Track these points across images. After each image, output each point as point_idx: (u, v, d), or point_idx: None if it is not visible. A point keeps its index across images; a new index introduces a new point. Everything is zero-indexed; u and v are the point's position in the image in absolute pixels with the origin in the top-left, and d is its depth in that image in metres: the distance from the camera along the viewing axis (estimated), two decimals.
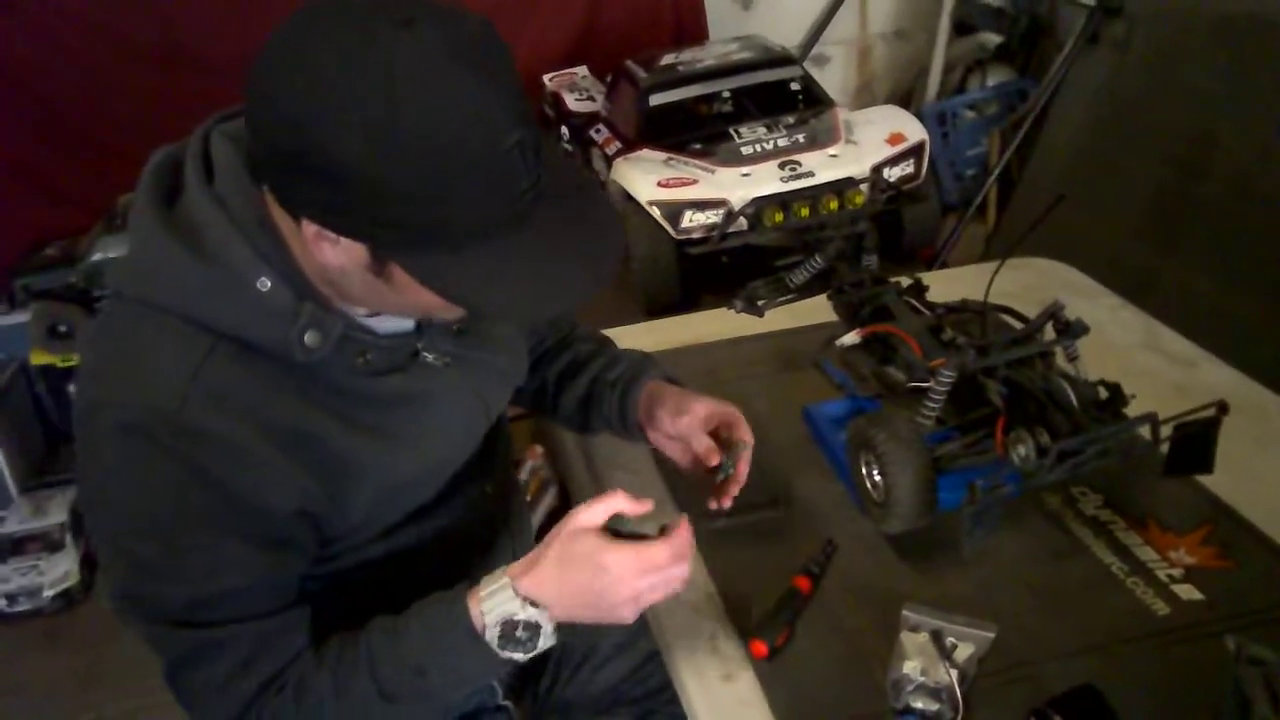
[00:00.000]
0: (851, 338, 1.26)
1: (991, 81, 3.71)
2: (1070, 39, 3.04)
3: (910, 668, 0.95)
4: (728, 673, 1.00)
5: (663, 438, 1.13)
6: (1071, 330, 1.09)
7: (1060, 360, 1.13)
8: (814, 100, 3.16)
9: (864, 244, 1.43)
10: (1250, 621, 1.00)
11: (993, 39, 3.65)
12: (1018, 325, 1.23)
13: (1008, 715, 0.91)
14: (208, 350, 0.83)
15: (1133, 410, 1.05)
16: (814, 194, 2.60)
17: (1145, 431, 1.03)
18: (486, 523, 1.10)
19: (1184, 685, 0.94)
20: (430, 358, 0.95)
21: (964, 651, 0.96)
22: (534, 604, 0.87)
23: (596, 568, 0.88)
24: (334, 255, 0.82)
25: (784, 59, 3.34)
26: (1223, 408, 1.02)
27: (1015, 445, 1.00)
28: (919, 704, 0.92)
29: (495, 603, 0.87)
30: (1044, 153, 3.16)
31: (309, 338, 0.85)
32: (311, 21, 0.76)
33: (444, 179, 0.76)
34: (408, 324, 0.94)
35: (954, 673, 0.93)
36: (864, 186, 2.01)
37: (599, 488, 1.24)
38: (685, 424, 1.09)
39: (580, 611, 0.89)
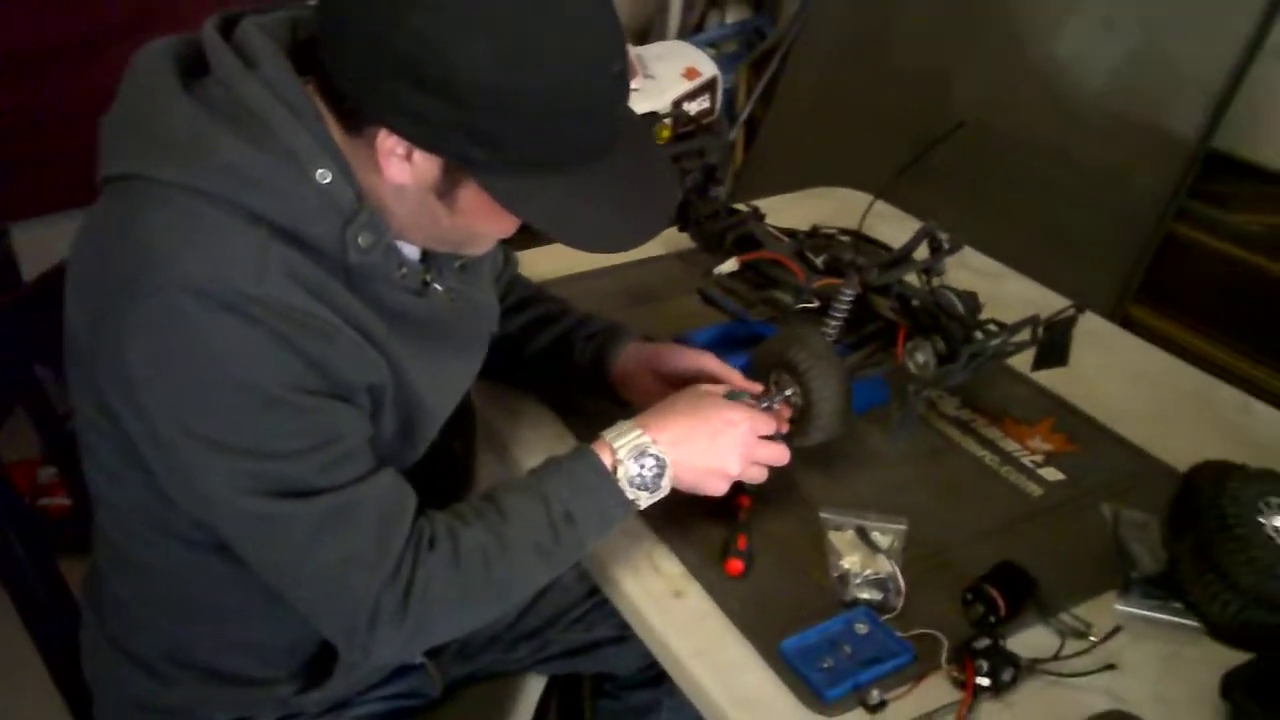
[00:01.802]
0: (730, 265, 1.31)
1: (731, 20, 3.85)
2: None
3: (851, 562, 1.03)
4: (677, 590, 1.03)
5: (651, 385, 1.14)
6: (947, 249, 1.19)
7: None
8: None
9: (715, 175, 1.49)
10: (1107, 492, 1.15)
11: None
12: (874, 248, 1.34)
13: (942, 594, 1.01)
14: (267, 235, 0.78)
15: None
16: None
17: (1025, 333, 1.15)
18: (451, 483, 1.07)
19: (1073, 549, 1.07)
20: (440, 289, 0.93)
21: (887, 544, 1.05)
22: (656, 444, 0.95)
23: (724, 419, 0.98)
24: (398, 171, 0.80)
25: None
26: (1079, 307, 1.16)
27: (913, 354, 1.09)
28: (865, 595, 1.00)
29: (627, 439, 0.95)
30: (787, 89, 3.34)
31: (363, 238, 0.82)
32: None
33: (564, 99, 0.77)
34: (415, 252, 0.91)
35: (892, 562, 1.02)
36: (668, 120, 2.06)
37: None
38: (700, 361, 1.12)
39: (696, 458, 0.97)
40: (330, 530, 0.84)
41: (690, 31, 3.98)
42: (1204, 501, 0.97)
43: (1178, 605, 0.98)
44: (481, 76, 0.75)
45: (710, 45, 3.83)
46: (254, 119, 0.80)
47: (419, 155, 0.81)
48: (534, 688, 1.40)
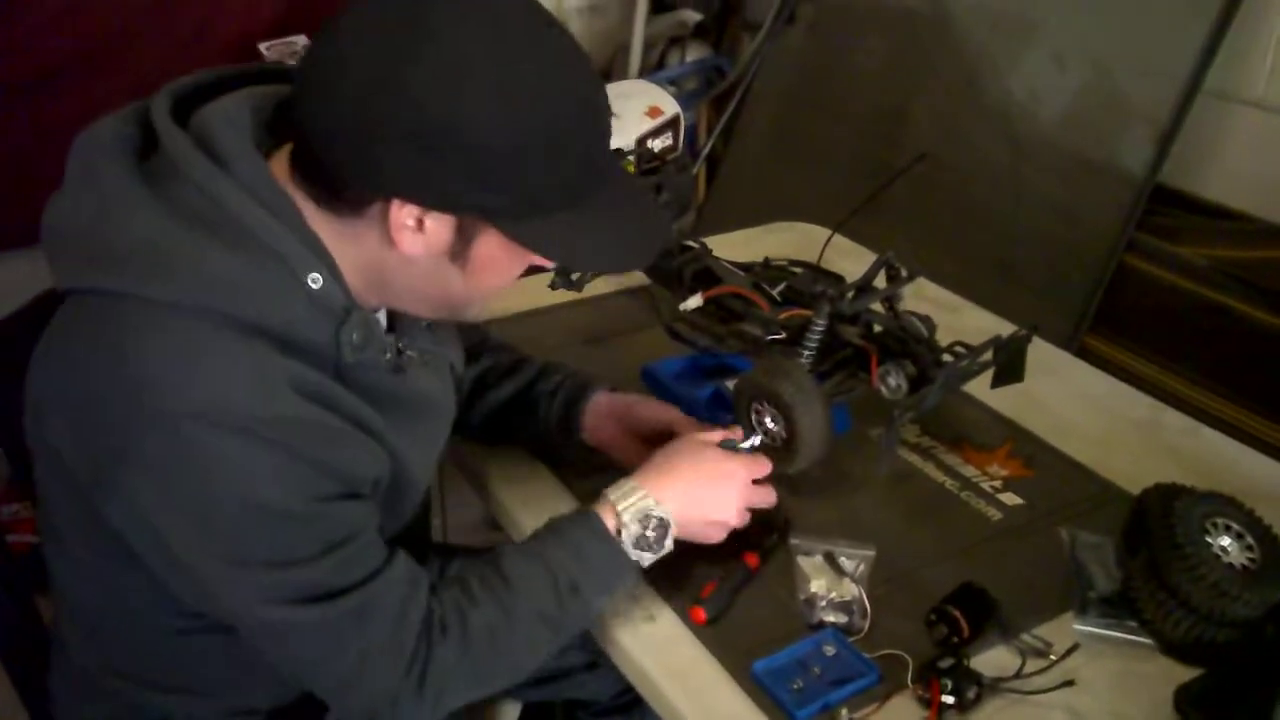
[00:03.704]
0: (695, 301, 1.34)
1: (691, 58, 3.92)
2: (768, 18, 3.29)
3: (818, 586, 1.05)
4: (649, 614, 1.05)
5: (623, 438, 1.16)
6: (905, 278, 1.23)
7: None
8: None
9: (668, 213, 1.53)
10: (1063, 515, 1.18)
11: (693, 16, 3.86)
12: (829, 278, 1.37)
13: (905, 618, 1.03)
14: (265, 349, 0.78)
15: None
16: None
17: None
18: (412, 536, 1.08)
19: (1032, 571, 1.11)
20: (413, 354, 0.94)
21: (853, 568, 1.08)
22: (661, 505, 0.97)
23: (724, 473, 1.01)
24: (411, 243, 0.80)
25: None
26: (1033, 328, 1.20)
27: (886, 378, 1.13)
28: (831, 618, 1.03)
29: (631, 501, 0.96)
30: (747, 126, 3.40)
31: (356, 335, 0.82)
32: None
33: (565, 131, 0.79)
34: (383, 319, 0.92)
35: (857, 586, 1.05)
36: (631, 158, 2.10)
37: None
38: (670, 415, 1.15)
39: (698, 513, 1.00)
40: (351, 628, 0.85)
41: (651, 70, 4.05)
42: (1154, 522, 1.01)
43: (1133, 624, 1.01)
44: (483, 121, 0.75)
45: (671, 83, 3.89)
46: (234, 225, 0.78)
47: (430, 221, 0.80)
48: (508, 715, 1.41)
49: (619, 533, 0.96)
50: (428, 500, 1.19)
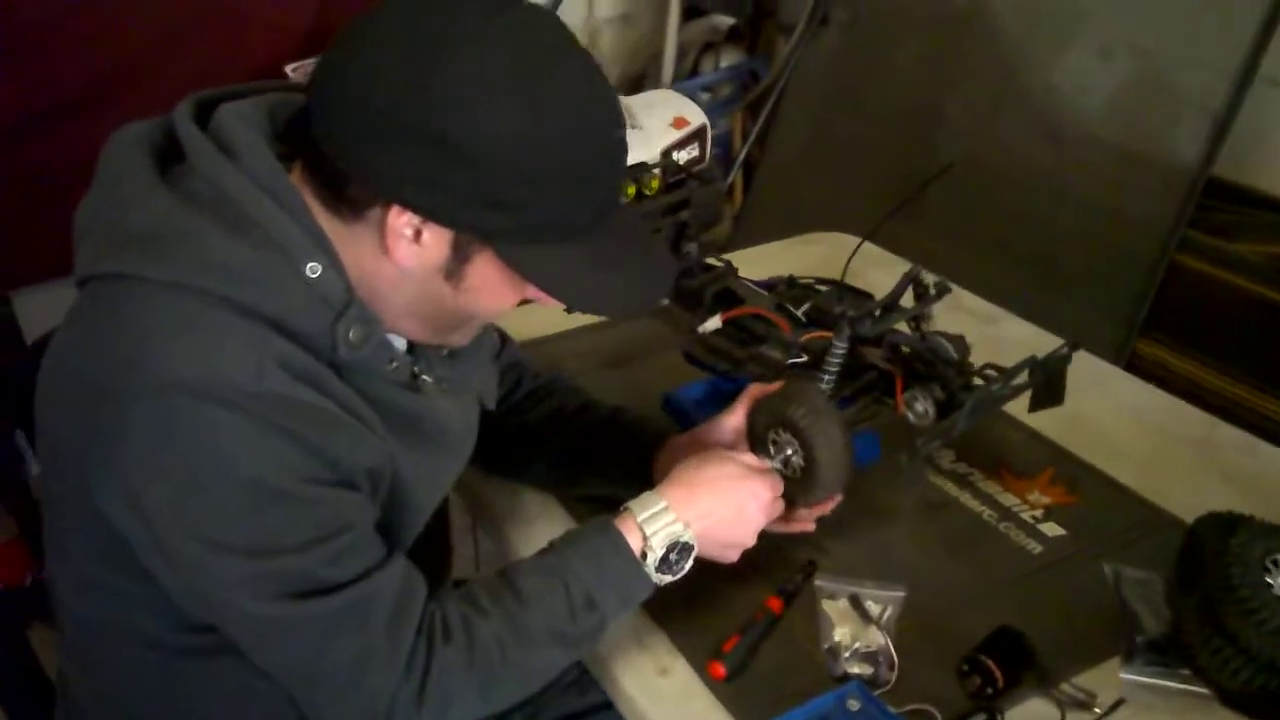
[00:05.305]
0: (714, 323, 1.28)
1: (725, 63, 3.86)
2: (801, 21, 3.22)
3: (842, 634, 0.99)
4: (663, 667, 0.99)
5: None
6: (933, 295, 1.15)
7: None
8: None
9: (685, 233, 1.47)
10: (1109, 546, 1.11)
11: (725, 21, 3.80)
12: (854, 295, 1.30)
13: (936, 667, 0.96)
14: (262, 328, 0.77)
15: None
16: None
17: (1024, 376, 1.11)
18: (425, 557, 1.04)
19: (1074, 610, 1.03)
20: (429, 380, 0.91)
21: (883, 613, 1.01)
22: (688, 527, 0.93)
23: (750, 492, 0.96)
24: (407, 253, 0.80)
25: None
26: (1073, 345, 1.12)
27: (912, 404, 1.06)
28: (855, 669, 0.96)
29: (660, 525, 0.92)
30: (783, 131, 3.33)
31: (354, 332, 0.80)
32: (428, 3, 0.77)
33: (578, 161, 0.78)
34: (402, 344, 0.90)
35: (884, 634, 0.98)
36: (657, 171, 2.05)
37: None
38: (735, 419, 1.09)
39: (720, 534, 0.95)
40: (344, 628, 0.82)
41: (685, 77, 3.99)
42: (1208, 558, 0.93)
43: (1185, 671, 0.93)
44: (503, 140, 0.75)
45: (705, 90, 3.83)
46: (238, 212, 0.78)
47: (428, 234, 0.79)
48: None
49: (644, 556, 0.91)
50: (443, 532, 1.15)
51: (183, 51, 2.34)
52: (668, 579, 0.93)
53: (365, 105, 0.75)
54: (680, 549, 0.92)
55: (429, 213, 0.78)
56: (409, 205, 0.78)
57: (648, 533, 0.92)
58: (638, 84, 4.20)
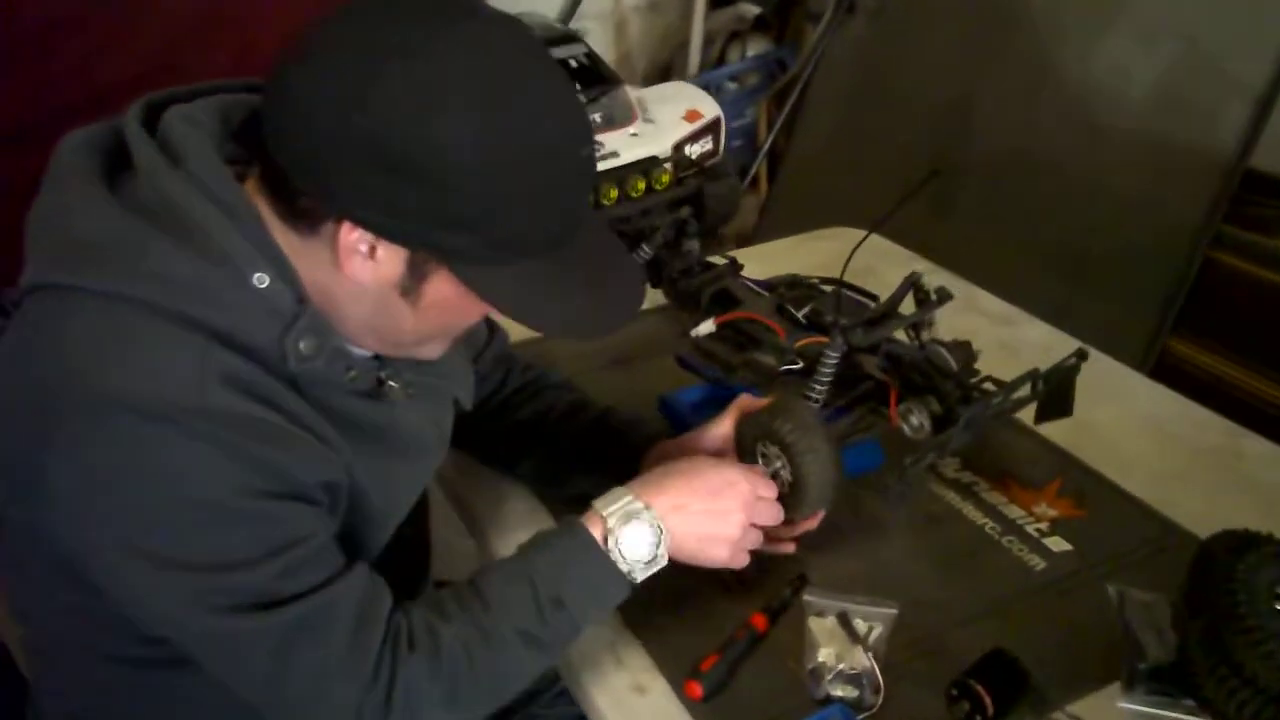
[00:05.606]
0: (707, 327, 1.24)
1: (751, 52, 3.80)
2: (828, 9, 3.15)
3: (826, 655, 0.94)
4: (639, 684, 0.95)
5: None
6: (934, 302, 1.10)
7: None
8: (600, 79, 3.11)
9: (686, 230, 1.43)
10: (1117, 565, 1.05)
11: (752, 9, 3.74)
12: (858, 298, 1.25)
13: (926, 690, 0.92)
14: (205, 341, 0.74)
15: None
16: (620, 175, 2.56)
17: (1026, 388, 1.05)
18: (404, 569, 1.01)
19: (1075, 632, 0.98)
20: (395, 386, 0.88)
21: (873, 632, 0.96)
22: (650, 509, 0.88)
23: (723, 479, 0.91)
24: (360, 269, 0.77)
25: (566, 36, 3.28)
26: (1081, 355, 1.07)
27: (907, 416, 1.01)
28: (839, 692, 0.92)
29: (618, 505, 0.88)
30: (809, 121, 3.26)
31: (305, 344, 0.78)
32: (384, 11, 0.74)
33: (539, 180, 0.76)
34: (365, 350, 0.87)
35: (869, 656, 0.93)
36: (668, 165, 2.00)
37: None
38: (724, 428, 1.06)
39: (695, 523, 0.90)
40: (303, 640, 0.79)
41: (711, 66, 3.93)
42: (1215, 583, 0.87)
43: (1189, 702, 0.88)
44: (457, 155, 0.72)
45: (731, 79, 3.77)
46: (183, 220, 0.76)
47: (383, 250, 0.77)
48: None
49: (605, 540, 0.87)
50: (422, 534, 1.13)
51: (187, 61, 2.31)
52: (641, 568, 0.88)
53: (311, 118, 0.73)
54: (648, 530, 0.87)
55: (381, 230, 0.75)
56: (360, 222, 0.75)
57: (605, 514, 0.88)
58: (664, 73, 4.15)
